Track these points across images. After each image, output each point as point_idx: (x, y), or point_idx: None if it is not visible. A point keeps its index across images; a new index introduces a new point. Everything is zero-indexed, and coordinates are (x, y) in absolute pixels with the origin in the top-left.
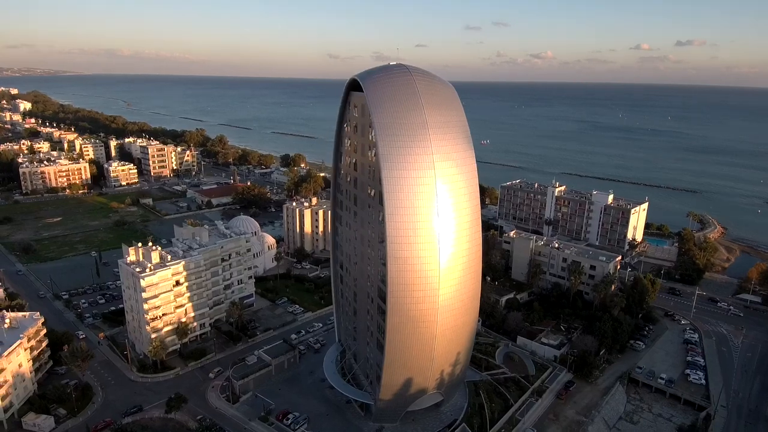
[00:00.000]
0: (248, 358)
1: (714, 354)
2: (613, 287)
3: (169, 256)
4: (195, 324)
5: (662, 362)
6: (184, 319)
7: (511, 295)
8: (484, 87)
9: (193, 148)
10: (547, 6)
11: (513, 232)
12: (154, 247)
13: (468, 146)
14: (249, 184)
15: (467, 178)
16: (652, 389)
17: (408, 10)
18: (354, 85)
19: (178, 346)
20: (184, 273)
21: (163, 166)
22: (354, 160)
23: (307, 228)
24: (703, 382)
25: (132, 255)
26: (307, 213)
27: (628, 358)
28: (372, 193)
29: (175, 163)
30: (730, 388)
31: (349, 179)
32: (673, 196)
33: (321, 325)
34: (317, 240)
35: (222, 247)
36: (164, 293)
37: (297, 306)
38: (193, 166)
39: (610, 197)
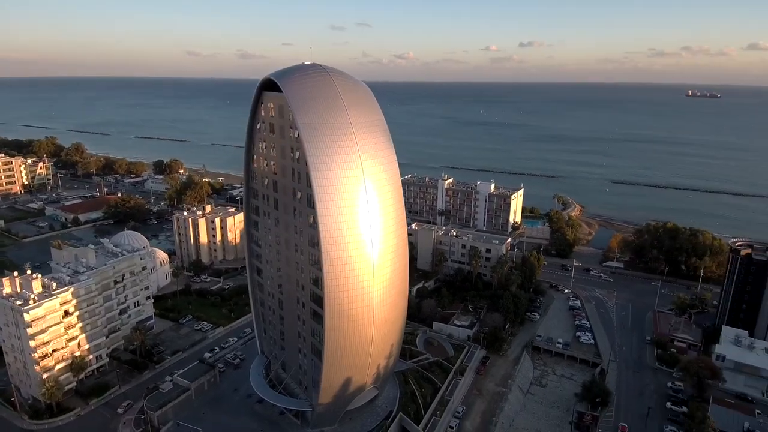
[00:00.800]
0: (162, 385)
1: (596, 316)
2: (506, 267)
3: (54, 284)
4: (91, 357)
5: (556, 328)
6: (78, 353)
7: (421, 284)
8: None
9: (46, 159)
10: (404, 8)
11: (415, 224)
12: (33, 275)
13: (390, 144)
14: (121, 195)
15: (391, 175)
16: (552, 353)
17: (272, 8)
18: (267, 85)
19: (75, 383)
20: (74, 301)
21: (11, 182)
22: (272, 163)
23: (203, 238)
24: (592, 341)
25: (7, 286)
26: (202, 222)
27: (527, 328)
28: (299, 196)
29: (25, 177)
30: (615, 344)
31: (266, 183)
32: (536, 181)
33: (236, 339)
34: (215, 250)
35: (114, 268)
36: (53, 326)
37: (204, 323)
38: (48, 179)
39: (492, 186)
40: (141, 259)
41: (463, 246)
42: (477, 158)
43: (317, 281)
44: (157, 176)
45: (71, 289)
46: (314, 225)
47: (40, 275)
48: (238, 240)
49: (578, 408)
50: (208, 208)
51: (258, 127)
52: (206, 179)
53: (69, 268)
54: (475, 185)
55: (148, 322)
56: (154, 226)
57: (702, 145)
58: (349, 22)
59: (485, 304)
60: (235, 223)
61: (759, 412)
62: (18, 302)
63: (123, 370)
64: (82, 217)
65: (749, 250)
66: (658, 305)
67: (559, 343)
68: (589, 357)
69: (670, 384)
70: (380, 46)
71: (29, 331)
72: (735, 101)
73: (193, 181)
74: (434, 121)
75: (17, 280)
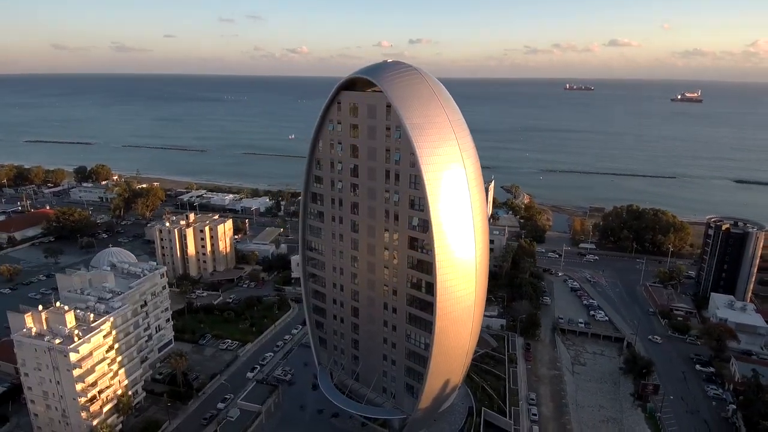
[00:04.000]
0: (230, 413)
1: (596, 295)
2: (510, 256)
3: (91, 315)
4: (130, 392)
5: (568, 309)
6: (120, 390)
7: None
8: (252, 81)
9: None
10: (297, 1)
11: None
12: (64, 307)
13: (472, 141)
14: (58, 208)
15: (479, 170)
16: (577, 333)
17: None
18: (344, 85)
19: (120, 425)
20: (113, 332)
21: None
22: (351, 165)
23: (191, 250)
24: (607, 318)
25: (30, 323)
26: (190, 232)
27: (544, 312)
28: (396, 199)
29: None
30: (626, 319)
31: (339, 187)
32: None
33: (271, 354)
34: (204, 262)
35: (140, 290)
36: (99, 364)
37: (228, 341)
38: None
39: None
40: (161, 277)
41: None
42: None
43: (419, 285)
44: (85, 184)
45: (111, 319)
46: (425, 227)
47: (67, 307)
48: (228, 249)
49: (624, 379)
50: (192, 216)
51: (329, 129)
52: (142, 185)
53: (90, 295)
54: None
55: (170, 347)
56: (106, 240)
57: (600, 132)
58: (239, 13)
59: (504, 293)
60: (225, 231)
61: None
62: (57, 341)
63: (161, 403)
64: (17, 236)
65: (728, 225)
66: (640, 279)
67: (580, 322)
68: (611, 333)
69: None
70: (273, 39)
71: (75, 372)
72: (605, 93)
73: (144, 188)
74: None
75: (43, 315)
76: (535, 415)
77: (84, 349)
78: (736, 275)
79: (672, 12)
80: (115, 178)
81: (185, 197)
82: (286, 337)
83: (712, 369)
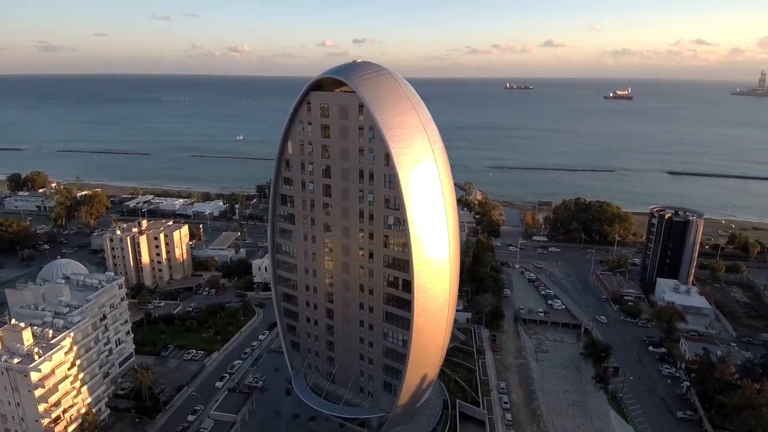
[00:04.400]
0: (203, 424)
1: (552, 285)
2: (471, 251)
3: (50, 331)
4: (94, 410)
5: (528, 300)
6: (84, 409)
7: None
8: (191, 80)
9: None
10: None
11: None
12: (20, 324)
13: (441, 140)
14: None
15: (449, 168)
16: (537, 322)
17: None
18: (313, 85)
19: None
20: (74, 348)
21: None
22: (322, 167)
23: (146, 258)
24: (563, 306)
25: None
26: (144, 240)
27: (506, 304)
28: (371, 198)
29: None
30: (581, 306)
31: (311, 188)
32: None
33: (240, 361)
34: (160, 270)
35: (98, 302)
36: (61, 382)
37: (192, 351)
38: None
39: None
40: (120, 287)
41: None
42: None
43: (396, 283)
44: (21, 193)
45: (71, 335)
46: (401, 225)
47: (20, 323)
48: (185, 256)
49: (584, 363)
50: (144, 223)
51: (299, 130)
52: (82, 192)
53: (45, 310)
54: None
55: (130, 360)
56: (47, 251)
57: (542, 129)
58: (174, 11)
59: (467, 287)
60: (182, 237)
61: (718, 342)
62: (15, 360)
63: (126, 419)
64: None
65: (670, 214)
66: (590, 268)
67: (540, 312)
68: (569, 320)
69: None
70: (211, 37)
71: (37, 393)
72: (544, 92)
73: (87, 195)
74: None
75: None
76: (506, 403)
77: (46, 368)
78: (679, 261)
79: (600, 14)
80: (53, 185)
81: (131, 203)
82: (254, 343)
83: (663, 349)
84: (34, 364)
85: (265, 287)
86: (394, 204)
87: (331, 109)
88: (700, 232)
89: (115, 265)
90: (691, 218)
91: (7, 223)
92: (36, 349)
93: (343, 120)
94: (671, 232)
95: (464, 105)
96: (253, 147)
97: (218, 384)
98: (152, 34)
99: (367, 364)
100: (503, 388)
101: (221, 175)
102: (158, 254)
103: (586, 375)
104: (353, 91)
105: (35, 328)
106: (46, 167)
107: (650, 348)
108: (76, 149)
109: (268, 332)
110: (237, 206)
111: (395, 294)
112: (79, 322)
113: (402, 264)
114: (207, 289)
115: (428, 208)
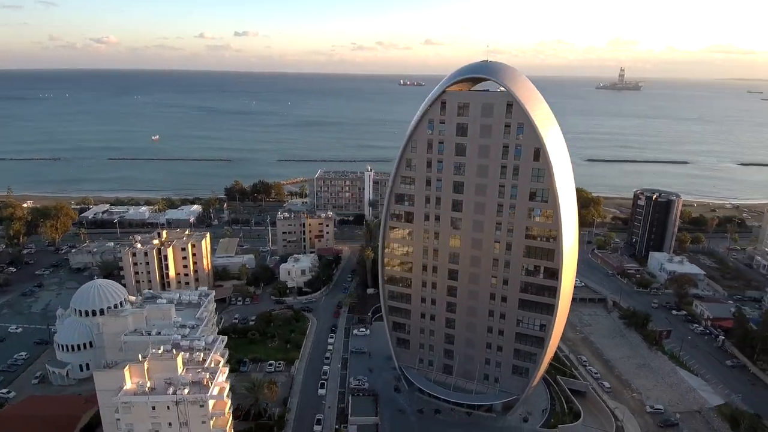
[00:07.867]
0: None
1: None
2: None
3: (201, 354)
4: None
5: None
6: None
7: None
8: (50, 75)
9: None
10: None
11: None
12: (173, 351)
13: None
14: None
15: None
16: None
17: None
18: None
19: None
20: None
21: None
22: (457, 164)
23: (172, 272)
24: (582, 283)
25: (128, 378)
26: (171, 252)
27: None
28: (515, 192)
29: None
30: (596, 282)
31: (438, 186)
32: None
33: (326, 366)
34: (187, 283)
35: (210, 319)
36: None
37: (272, 362)
38: None
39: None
40: (210, 304)
41: None
42: (272, 151)
43: (536, 272)
44: None
45: (213, 356)
46: (549, 217)
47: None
48: (209, 266)
49: (626, 331)
50: (164, 234)
51: (431, 128)
52: (62, 202)
53: (162, 333)
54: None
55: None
56: (16, 273)
57: None
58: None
59: None
60: (207, 247)
61: (731, 302)
62: (185, 390)
63: None
64: None
65: (656, 195)
66: (583, 249)
67: None
68: (594, 295)
69: (655, 301)
70: (71, 28)
71: (213, 423)
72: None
73: (56, 208)
74: (191, 112)
75: (145, 365)
76: (597, 373)
77: (218, 393)
78: (664, 236)
79: (467, 15)
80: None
81: (88, 214)
82: (329, 347)
83: (684, 312)
84: (209, 392)
85: (300, 291)
86: (542, 197)
87: (472, 108)
88: (680, 209)
89: (138, 282)
90: (672, 198)
91: None
92: (206, 375)
93: (485, 118)
94: (656, 211)
95: (361, 100)
96: (175, 147)
97: (321, 391)
98: (1, 25)
99: (495, 352)
100: (585, 361)
101: (154, 178)
102: (185, 266)
103: (633, 341)
104: (488, 91)
105: (184, 353)
106: None
107: (673, 312)
108: (15, 157)
109: (334, 335)
110: (212, 211)
111: (536, 282)
112: (216, 340)
113: (545, 253)
114: (241, 299)
115: (568, 198)
